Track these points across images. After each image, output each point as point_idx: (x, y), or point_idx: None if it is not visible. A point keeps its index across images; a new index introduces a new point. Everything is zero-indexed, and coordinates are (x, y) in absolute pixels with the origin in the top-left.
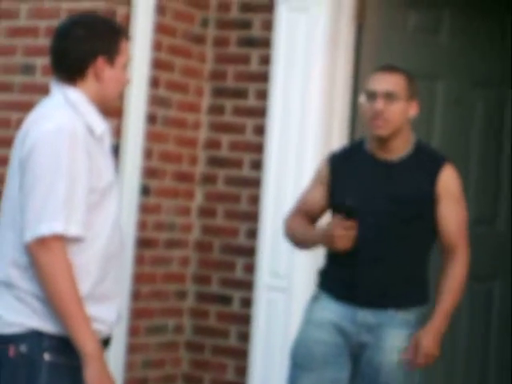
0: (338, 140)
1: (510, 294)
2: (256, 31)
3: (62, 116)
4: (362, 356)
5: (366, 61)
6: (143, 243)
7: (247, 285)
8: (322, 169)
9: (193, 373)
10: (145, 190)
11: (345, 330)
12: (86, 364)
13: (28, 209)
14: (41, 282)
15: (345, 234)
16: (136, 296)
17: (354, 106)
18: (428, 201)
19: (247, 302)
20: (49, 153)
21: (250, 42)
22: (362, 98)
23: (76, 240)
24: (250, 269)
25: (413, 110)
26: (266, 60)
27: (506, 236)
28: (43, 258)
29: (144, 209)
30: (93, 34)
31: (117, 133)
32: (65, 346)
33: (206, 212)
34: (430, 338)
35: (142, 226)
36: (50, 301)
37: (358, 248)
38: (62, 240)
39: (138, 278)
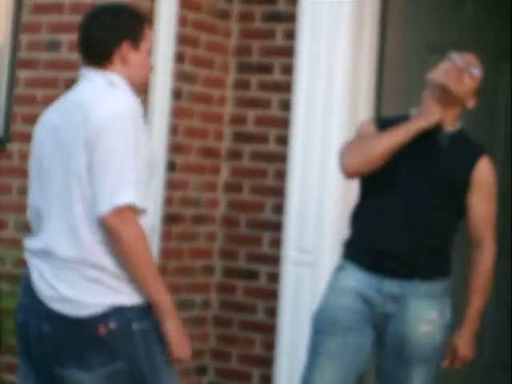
0: (364, 113)
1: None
2: (281, 6)
3: (122, 96)
4: (386, 327)
5: (391, 35)
6: (170, 219)
7: (274, 260)
8: (368, 124)
9: (220, 348)
10: (171, 166)
11: (370, 300)
12: (165, 320)
13: (102, 183)
14: (119, 251)
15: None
16: (163, 272)
17: (379, 80)
18: (462, 184)
19: (274, 277)
20: (118, 131)
21: (274, 17)
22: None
23: (140, 212)
24: (277, 244)
25: (471, 102)
26: (291, 35)
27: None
28: (121, 227)
29: (170, 185)
30: (118, 20)
31: (143, 108)
32: (144, 313)
33: (232, 187)
34: (465, 343)
35: (168, 201)
36: (130, 268)
37: (387, 215)
38: (134, 211)
39: (165, 254)
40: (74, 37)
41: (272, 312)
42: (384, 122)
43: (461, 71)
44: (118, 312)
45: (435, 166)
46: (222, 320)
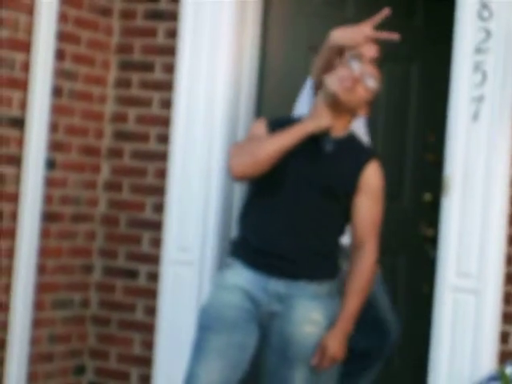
0: (245, 113)
1: (413, 268)
2: (163, 4)
3: None
4: (271, 326)
5: (273, 35)
6: (49, 217)
7: (154, 259)
8: (259, 125)
9: (99, 347)
10: (50, 164)
11: (255, 298)
12: None
13: None
14: None
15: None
16: (41, 270)
17: (261, 79)
18: (349, 187)
19: (154, 277)
20: None
21: (156, 15)
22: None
23: None
24: (157, 243)
25: (363, 111)
26: (172, 33)
27: (409, 211)
28: None
29: (50, 182)
30: None
31: (22, 106)
32: None
33: (113, 186)
34: (335, 342)
35: (47, 199)
36: None
37: (275, 216)
38: None
39: (44, 253)
40: None
41: (151, 311)
42: (275, 124)
43: (355, 81)
44: None
45: (322, 170)
46: (100, 319)
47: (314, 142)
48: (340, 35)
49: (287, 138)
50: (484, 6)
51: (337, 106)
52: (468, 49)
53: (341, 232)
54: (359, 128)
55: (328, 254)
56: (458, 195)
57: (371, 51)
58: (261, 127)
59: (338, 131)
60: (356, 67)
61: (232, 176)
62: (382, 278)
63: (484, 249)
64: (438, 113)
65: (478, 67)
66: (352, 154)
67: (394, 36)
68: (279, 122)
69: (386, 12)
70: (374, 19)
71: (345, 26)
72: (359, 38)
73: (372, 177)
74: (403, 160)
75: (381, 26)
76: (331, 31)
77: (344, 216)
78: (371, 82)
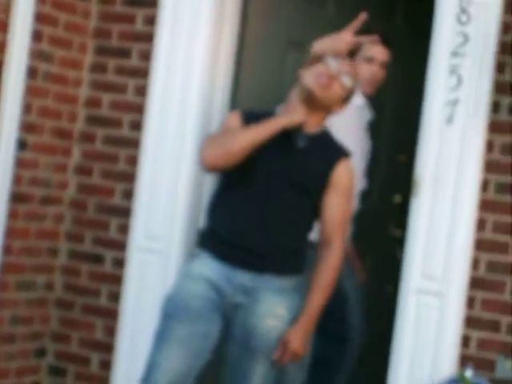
0: (220, 105)
1: (380, 269)
2: None
3: None
4: (235, 318)
5: (251, 28)
6: (18, 198)
7: (121, 245)
8: (233, 118)
9: (61, 331)
10: (22, 145)
11: (221, 289)
12: None
13: None
14: None
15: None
16: (7, 251)
17: (238, 72)
18: (319, 184)
19: (120, 263)
20: None
21: (135, 2)
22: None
23: None
24: (125, 230)
25: (338, 108)
26: (151, 20)
27: (378, 212)
28: None
29: (20, 163)
30: None
31: None
32: None
33: (83, 170)
34: (297, 338)
35: (17, 180)
36: None
37: (244, 209)
38: None
39: (11, 233)
40: None
41: (115, 298)
42: (250, 116)
43: (331, 78)
44: None
45: (293, 166)
46: (64, 303)
47: (287, 136)
48: (322, 45)
49: (260, 132)
50: (463, 10)
51: (311, 101)
52: (445, 52)
53: (309, 228)
54: (344, 125)
55: (296, 250)
56: (427, 197)
57: (382, 54)
58: (235, 119)
59: (312, 127)
60: (332, 64)
61: (203, 167)
62: (359, 285)
63: (450, 252)
64: (413, 113)
65: (453, 71)
66: (324, 151)
67: (375, 39)
68: (253, 115)
69: (363, 17)
70: (353, 25)
71: (324, 23)
72: (341, 46)
73: (343, 175)
74: (375, 160)
75: (360, 28)
76: (313, 42)
77: (313, 212)
78: (347, 79)
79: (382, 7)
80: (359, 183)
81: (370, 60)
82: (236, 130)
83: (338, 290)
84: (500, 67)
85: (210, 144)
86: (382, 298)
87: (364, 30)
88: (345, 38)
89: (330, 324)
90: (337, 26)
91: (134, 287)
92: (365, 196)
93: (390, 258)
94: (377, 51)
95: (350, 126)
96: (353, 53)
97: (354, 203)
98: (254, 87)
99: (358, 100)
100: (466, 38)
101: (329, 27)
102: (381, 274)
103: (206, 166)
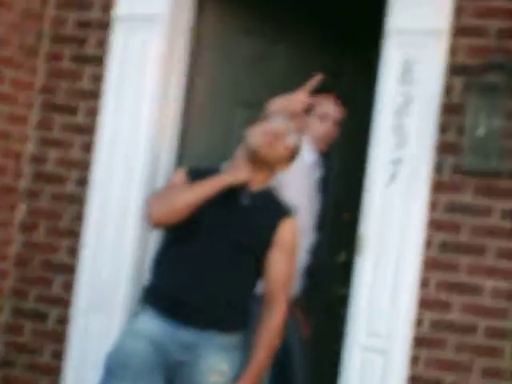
0: (167, 159)
1: (324, 327)
2: (90, 48)
3: None
4: (180, 374)
5: (199, 86)
6: None
7: (65, 303)
8: (179, 174)
9: None
10: None
11: (163, 347)
12: None
13: None
14: None
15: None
16: None
17: (186, 130)
18: (263, 242)
19: (63, 320)
20: None
21: (83, 59)
22: None
23: None
24: (69, 287)
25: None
26: (98, 78)
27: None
28: None
29: None
30: None
31: None
32: None
33: (28, 227)
34: None
35: None
36: None
37: (187, 265)
38: None
39: None
40: None
41: (58, 355)
42: (195, 173)
43: (276, 137)
44: None
45: (236, 223)
46: (7, 361)
47: (232, 194)
48: (277, 105)
49: (205, 189)
50: (407, 70)
51: (256, 159)
52: (388, 111)
53: (253, 285)
54: (294, 183)
55: (239, 307)
56: (371, 255)
57: (335, 111)
58: (180, 176)
59: (257, 185)
60: (278, 123)
61: (148, 223)
62: (303, 341)
63: (394, 310)
64: (360, 169)
65: (397, 130)
66: (268, 209)
67: (329, 97)
68: (199, 172)
69: (318, 78)
70: (308, 85)
71: (274, 79)
72: (296, 105)
73: (287, 233)
74: (321, 217)
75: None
76: (269, 101)
77: (257, 269)
78: (292, 139)
79: (330, 61)
80: (308, 238)
81: (323, 117)
82: (181, 186)
83: (283, 344)
84: (444, 127)
85: (154, 201)
86: (326, 355)
87: (318, 88)
88: (299, 98)
89: (273, 380)
90: (287, 80)
91: (76, 345)
92: (316, 250)
93: (334, 316)
94: (331, 108)
95: (300, 183)
96: (307, 110)
97: (302, 258)
98: (201, 145)
99: (310, 157)
100: (409, 98)
101: (278, 82)
102: (325, 333)
103: (151, 222)
